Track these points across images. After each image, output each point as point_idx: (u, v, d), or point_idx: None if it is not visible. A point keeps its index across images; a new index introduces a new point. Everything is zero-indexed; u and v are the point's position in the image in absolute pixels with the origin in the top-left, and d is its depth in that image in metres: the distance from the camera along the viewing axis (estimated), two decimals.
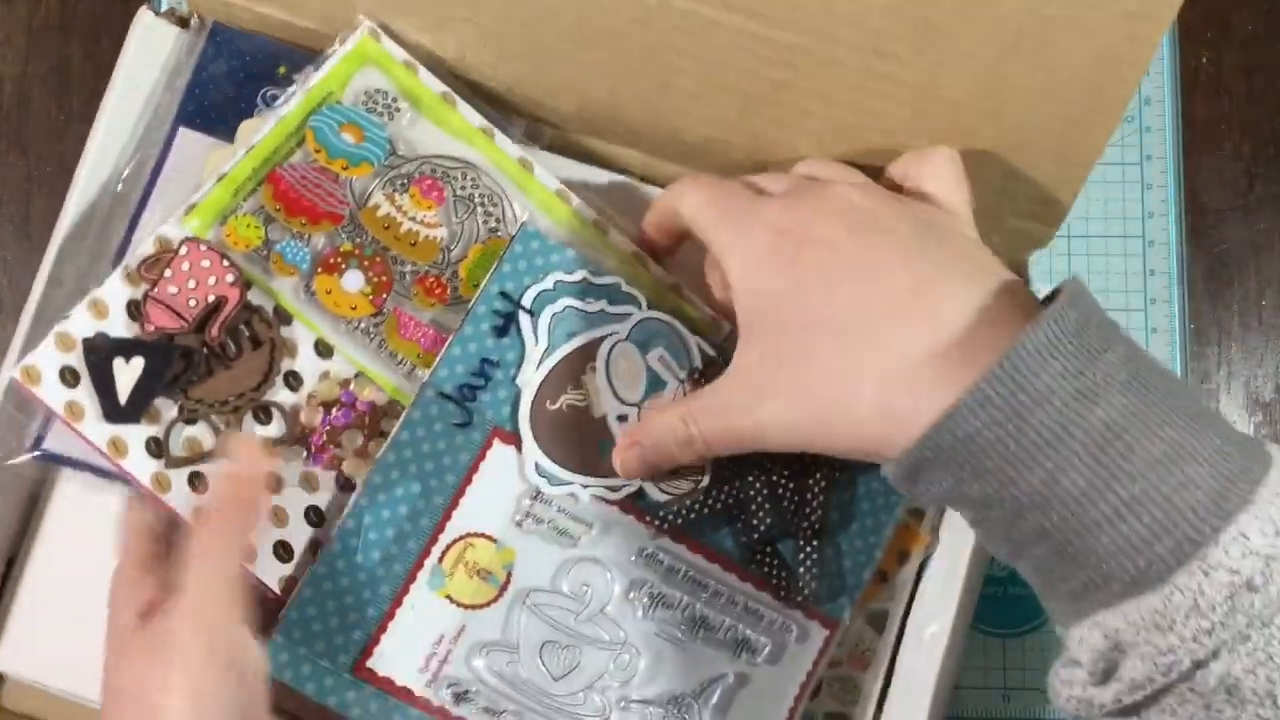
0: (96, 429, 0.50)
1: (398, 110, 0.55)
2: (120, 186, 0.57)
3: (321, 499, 0.52)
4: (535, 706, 0.52)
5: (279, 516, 0.51)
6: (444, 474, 0.51)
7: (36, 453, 0.53)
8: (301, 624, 0.50)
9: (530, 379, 0.52)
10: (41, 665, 0.56)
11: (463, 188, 0.55)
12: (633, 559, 0.53)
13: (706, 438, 0.49)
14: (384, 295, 0.54)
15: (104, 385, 0.50)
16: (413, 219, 0.54)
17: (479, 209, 0.55)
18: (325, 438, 0.52)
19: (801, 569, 0.54)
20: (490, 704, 0.51)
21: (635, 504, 0.53)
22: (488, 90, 0.57)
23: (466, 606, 0.51)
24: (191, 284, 0.51)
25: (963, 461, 0.40)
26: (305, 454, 0.52)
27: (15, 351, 0.55)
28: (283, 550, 0.51)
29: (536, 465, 0.52)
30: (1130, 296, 0.70)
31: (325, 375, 0.53)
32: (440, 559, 0.51)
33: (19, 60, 0.68)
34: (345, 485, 0.52)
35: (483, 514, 0.52)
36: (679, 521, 0.53)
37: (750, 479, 0.53)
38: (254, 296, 0.52)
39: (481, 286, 0.52)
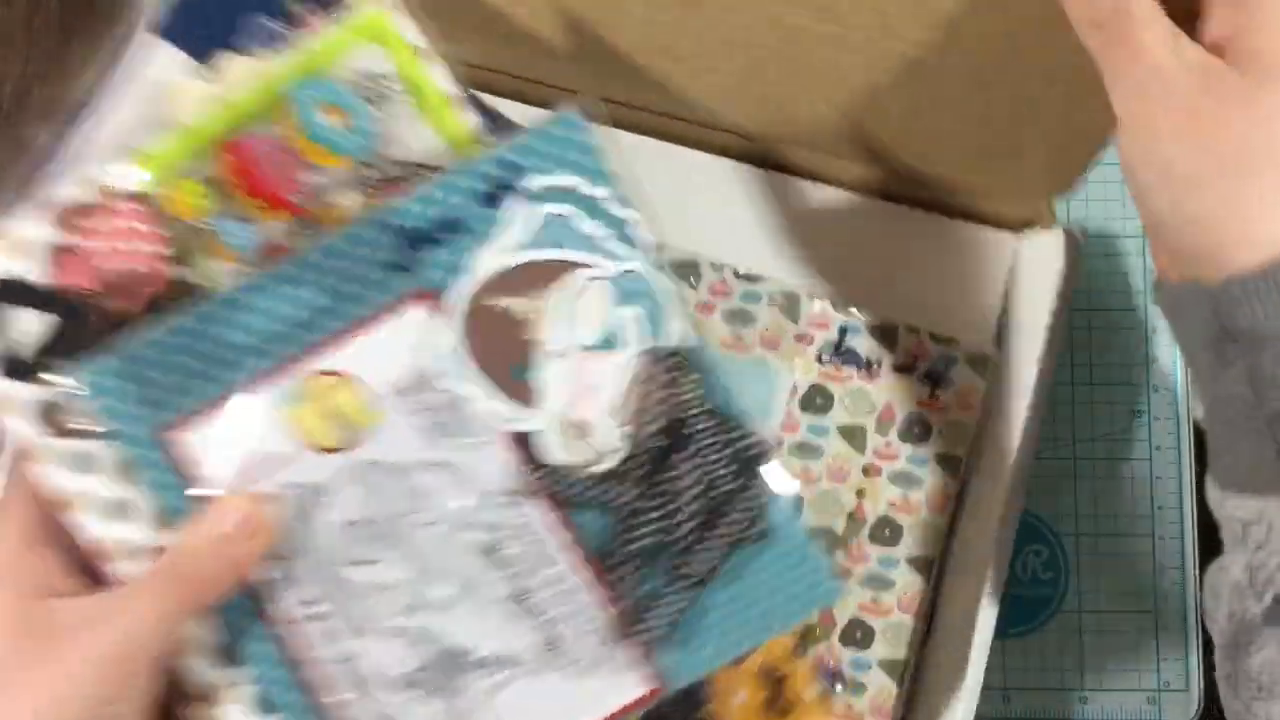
0: None
1: (392, 101, 0.49)
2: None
3: None
4: (313, 571, 0.47)
5: None
6: (356, 304, 0.47)
7: None
8: (141, 362, 0.46)
9: (485, 264, 0.47)
10: None
11: None
12: (496, 497, 0.47)
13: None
14: None
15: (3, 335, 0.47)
16: None
17: None
18: None
19: (659, 608, 0.48)
20: (272, 550, 0.47)
21: (528, 445, 0.48)
22: None
23: (302, 442, 0.47)
24: (120, 244, 0.47)
25: None
26: None
27: None
28: None
29: (451, 350, 0.47)
30: (1131, 296, 0.73)
31: None
32: (304, 381, 0.47)
33: (19, 60, 0.66)
34: None
35: (371, 364, 0.47)
36: (559, 487, 0.47)
37: (658, 493, 0.48)
38: (190, 276, 0.48)
39: (495, 149, 0.47)
